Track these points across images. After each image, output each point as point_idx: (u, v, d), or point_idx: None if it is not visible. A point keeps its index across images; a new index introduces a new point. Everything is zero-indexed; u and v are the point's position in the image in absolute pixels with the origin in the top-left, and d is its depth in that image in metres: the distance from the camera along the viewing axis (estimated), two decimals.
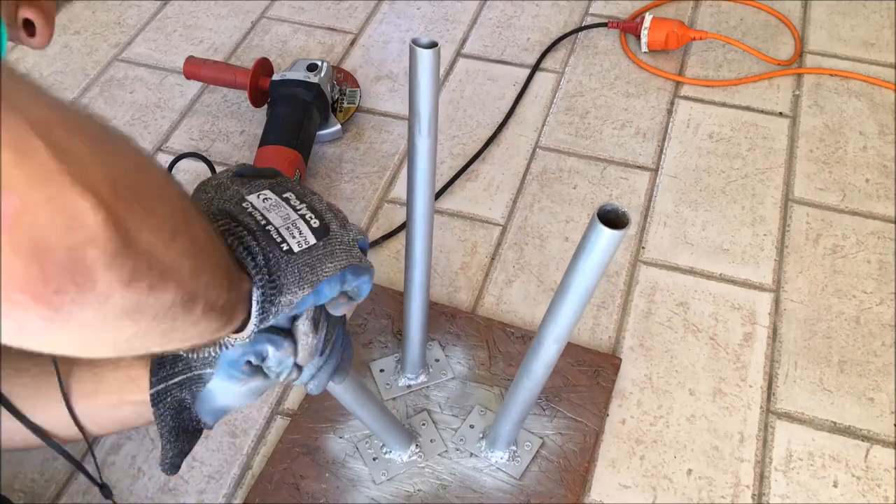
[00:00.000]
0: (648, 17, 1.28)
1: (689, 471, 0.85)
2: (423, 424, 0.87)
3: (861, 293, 1.00)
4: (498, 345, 0.94)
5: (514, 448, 0.84)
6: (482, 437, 0.86)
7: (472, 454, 0.85)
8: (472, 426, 0.87)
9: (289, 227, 0.51)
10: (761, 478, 0.85)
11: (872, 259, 1.03)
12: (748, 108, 1.23)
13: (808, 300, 0.99)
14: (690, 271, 1.03)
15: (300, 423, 0.87)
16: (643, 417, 0.89)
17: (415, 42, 0.60)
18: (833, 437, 0.87)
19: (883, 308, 0.98)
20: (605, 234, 0.52)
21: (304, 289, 0.50)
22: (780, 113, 1.23)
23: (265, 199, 0.52)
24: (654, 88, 1.27)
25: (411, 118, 0.65)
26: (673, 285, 1.01)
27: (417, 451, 0.85)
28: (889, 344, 0.94)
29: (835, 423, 0.88)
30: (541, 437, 0.86)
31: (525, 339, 0.94)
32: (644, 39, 1.28)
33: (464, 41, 1.36)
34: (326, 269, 0.51)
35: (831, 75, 1.27)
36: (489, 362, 0.92)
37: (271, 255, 0.49)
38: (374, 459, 0.84)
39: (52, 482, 0.86)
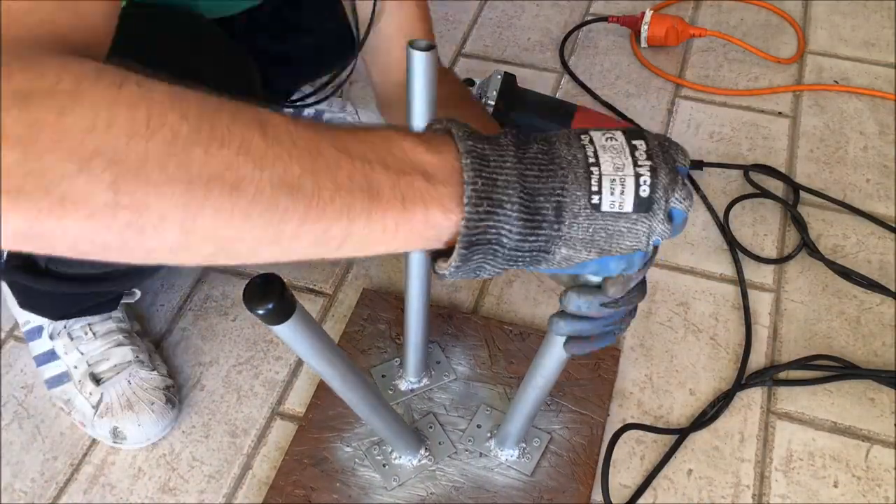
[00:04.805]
0: (649, 13, 1.29)
1: (690, 471, 0.85)
2: (430, 427, 0.87)
3: (861, 293, 0.99)
4: (497, 343, 0.94)
5: (523, 445, 0.84)
6: (490, 437, 0.85)
7: (481, 454, 0.85)
8: (479, 426, 0.87)
9: (613, 180, 0.44)
10: (761, 478, 0.85)
11: (873, 259, 1.03)
12: (748, 109, 1.23)
13: (809, 300, 0.99)
14: (690, 271, 1.03)
15: (305, 434, 0.86)
16: (643, 418, 0.89)
17: (412, 44, 0.59)
18: (833, 437, 0.87)
19: (883, 308, 0.98)
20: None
21: (590, 252, 0.45)
22: (780, 113, 1.23)
23: (609, 138, 0.45)
24: (655, 88, 1.26)
25: (409, 120, 0.65)
26: (673, 285, 1.01)
27: (427, 454, 0.84)
28: (889, 344, 0.94)
29: (835, 423, 0.88)
30: (548, 433, 0.86)
31: (523, 335, 0.94)
32: (644, 34, 1.29)
33: (464, 41, 1.36)
34: (623, 245, 0.45)
35: (834, 89, 1.27)
36: (490, 361, 0.92)
37: (570, 199, 0.43)
38: (384, 466, 0.84)
39: (52, 482, 0.86)
